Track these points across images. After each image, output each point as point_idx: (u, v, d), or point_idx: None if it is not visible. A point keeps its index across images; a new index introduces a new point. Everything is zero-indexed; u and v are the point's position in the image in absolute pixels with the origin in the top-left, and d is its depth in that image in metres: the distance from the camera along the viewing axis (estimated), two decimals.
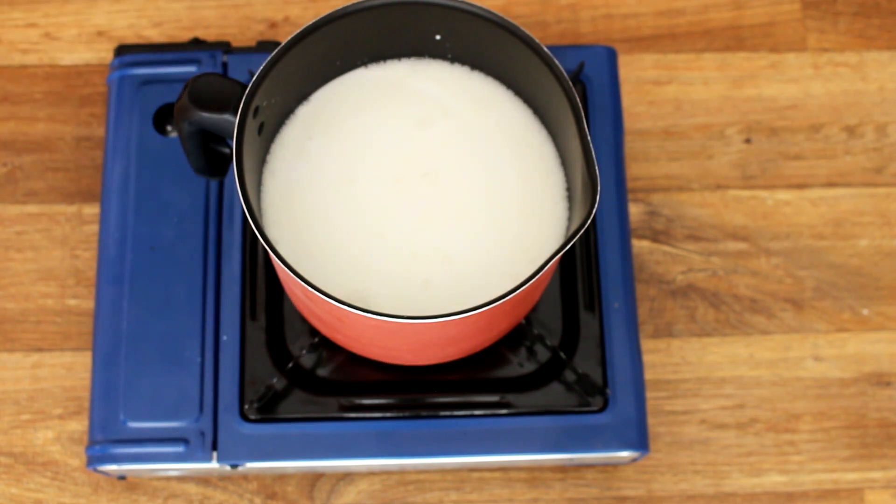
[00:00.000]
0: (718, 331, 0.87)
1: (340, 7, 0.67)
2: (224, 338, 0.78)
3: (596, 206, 0.60)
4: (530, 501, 0.83)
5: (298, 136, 0.71)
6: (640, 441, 0.77)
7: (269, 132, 0.70)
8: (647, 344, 0.86)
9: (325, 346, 0.78)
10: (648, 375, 0.85)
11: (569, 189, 0.70)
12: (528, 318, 0.79)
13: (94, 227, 0.88)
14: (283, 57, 0.66)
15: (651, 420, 0.84)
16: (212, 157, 0.72)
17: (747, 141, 0.92)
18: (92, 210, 0.89)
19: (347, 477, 0.84)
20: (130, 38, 0.93)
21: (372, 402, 0.77)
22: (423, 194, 0.69)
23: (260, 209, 0.69)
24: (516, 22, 0.87)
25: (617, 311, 0.79)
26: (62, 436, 0.84)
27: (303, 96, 0.71)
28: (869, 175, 0.91)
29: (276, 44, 0.82)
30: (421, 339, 0.70)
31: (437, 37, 0.70)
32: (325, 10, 0.93)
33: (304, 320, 0.78)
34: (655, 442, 0.84)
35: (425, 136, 0.70)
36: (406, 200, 0.69)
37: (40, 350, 0.86)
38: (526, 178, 0.70)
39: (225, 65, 0.83)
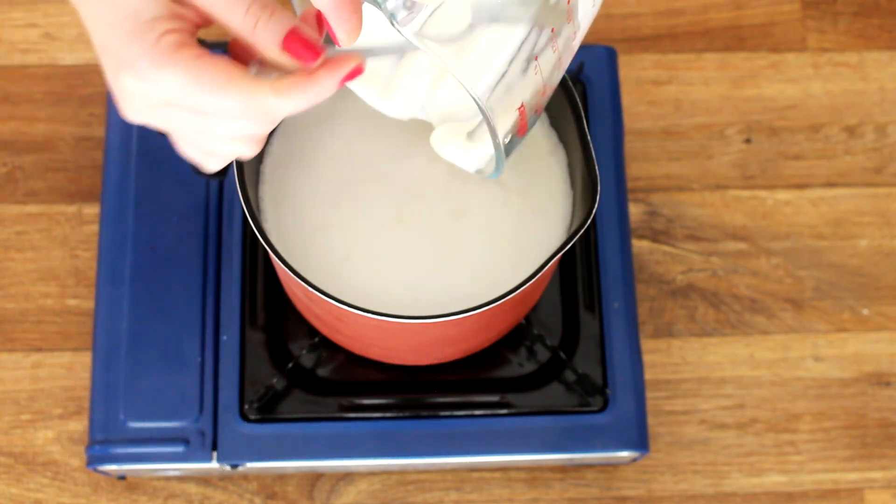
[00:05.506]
0: (718, 331, 0.87)
1: None
2: (224, 338, 0.78)
3: (596, 206, 0.60)
4: (530, 501, 0.83)
5: (298, 136, 0.71)
6: (640, 441, 0.77)
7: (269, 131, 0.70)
8: (647, 344, 0.86)
9: (325, 346, 0.78)
10: (648, 375, 0.85)
11: (569, 189, 0.70)
12: (528, 318, 0.79)
13: (94, 227, 0.88)
14: None
15: (651, 420, 0.84)
16: None
17: (747, 141, 0.92)
18: (92, 210, 0.89)
19: (347, 477, 0.84)
20: None
21: (372, 402, 0.77)
22: (422, 193, 0.69)
23: (260, 209, 0.69)
24: None
25: (617, 311, 0.79)
26: (62, 436, 0.84)
27: None
28: (869, 175, 0.91)
29: None
30: (421, 339, 0.70)
31: None
32: None
33: (304, 320, 0.78)
34: (655, 442, 0.84)
35: (426, 135, 0.70)
36: (406, 199, 0.69)
37: (40, 350, 0.86)
38: (525, 177, 0.70)
39: None
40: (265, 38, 0.50)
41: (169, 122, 0.51)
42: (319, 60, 0.50)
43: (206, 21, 0.50)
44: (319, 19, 0.52)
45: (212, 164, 0.53)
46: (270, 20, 0.50)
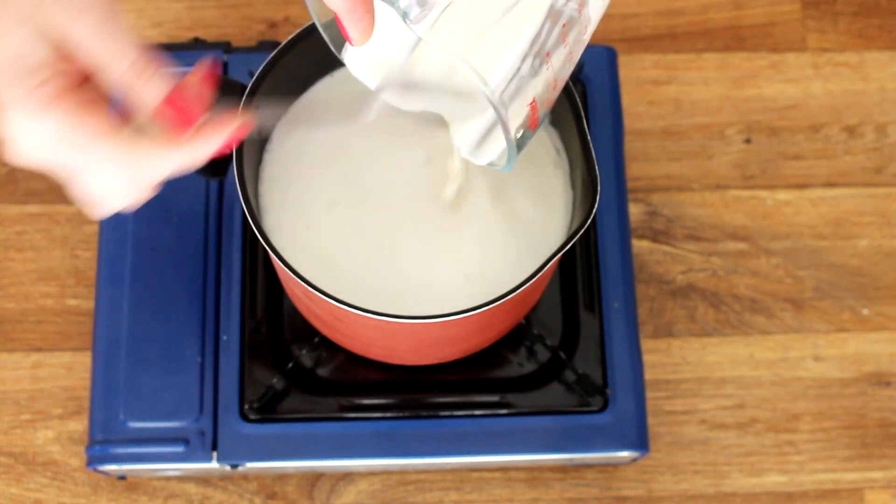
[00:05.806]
0: (718, 331, 0.87)
1: None
2: (224, 338, 0.78)
3: (596, 206, 0.60)
4: (530, 501, 0.83)
5: (298, 136, 0.71)
6: (640, 441, 0.77)
7: (269, 132, 0.70)
8: (647, 344, 0.86)
9: (325, 346, 0.78)
10: (648, 375, 0.85)
11: (569, 189, 0.70)
12: (528, 318, 0.79)
13: (94, 227, 0.88)
14: (283, 57, 0.66)
15: (651, 420, 0.84)
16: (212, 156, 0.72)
17: (747, 141, 0.92)
18: None
19: (347, 477, 0.84)
20: None
21: (372, 402, 0.77)
22: (421, 192, 0.69)
23: (260, 210, 0.69)
24: None
25: (617, 311, 0.79)
26: (62, 436, 0.84)
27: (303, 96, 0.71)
28: (869, 175, 0.91)
29: (276, 44, 0.82)
30: (421, 339, 0.70)
31: None
32: None
33: (304, 320, 0.78)
34: (655, 442, 0.84)
35: (425, 136, 0.70)
36: (405, 198, 0.69)
37: (40, 350, 0.86)
38: (525, 178, 0.70)
39: (225, 65, 0.83)
40: (147, 94, 0.50)
41: (53, 166, 0.51)
42: (201, 121, 0.51)
43: (91, 72, 0.50)
44: (208, 78, 0.52)
45: (101, 209, 0.54)
46: (153, 77, 0.50)
